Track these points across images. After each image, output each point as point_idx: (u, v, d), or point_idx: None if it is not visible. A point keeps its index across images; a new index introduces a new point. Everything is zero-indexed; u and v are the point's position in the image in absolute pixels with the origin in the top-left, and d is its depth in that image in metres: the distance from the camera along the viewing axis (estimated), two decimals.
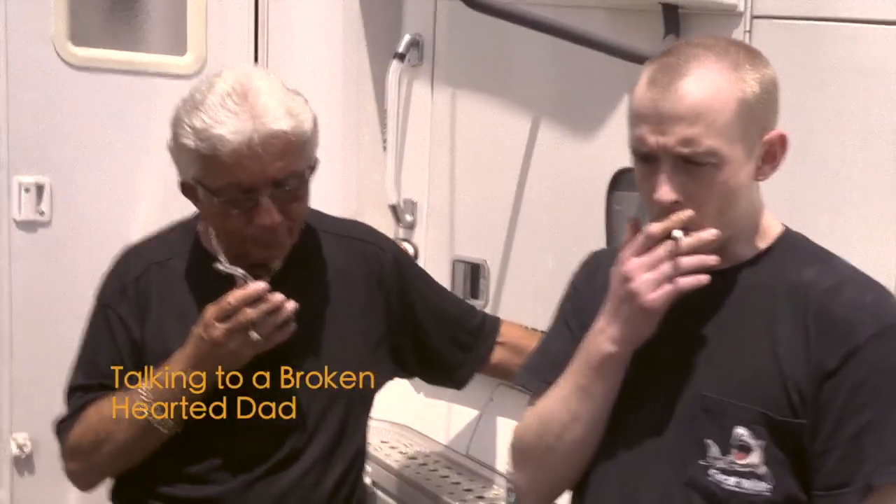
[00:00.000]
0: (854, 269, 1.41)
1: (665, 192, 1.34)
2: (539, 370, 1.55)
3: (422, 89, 2.73)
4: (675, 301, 1.38)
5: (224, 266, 1.72)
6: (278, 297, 1.67)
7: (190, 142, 1.65)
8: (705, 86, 1.31)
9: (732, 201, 1.37)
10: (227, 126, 1.62)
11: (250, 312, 1.65)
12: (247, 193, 1.66)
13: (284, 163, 1.65)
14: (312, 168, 1.75)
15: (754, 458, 1.34)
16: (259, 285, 1.67)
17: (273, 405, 1.78)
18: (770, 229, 1.45)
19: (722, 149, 1.32)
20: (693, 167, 1.33)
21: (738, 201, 1.38)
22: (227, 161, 1.63)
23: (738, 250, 1.43)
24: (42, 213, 2.67)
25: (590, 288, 1.52)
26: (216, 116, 1.63)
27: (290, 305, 1.67)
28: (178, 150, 1.71)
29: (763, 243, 1.44)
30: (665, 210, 1.35)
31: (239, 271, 1.71)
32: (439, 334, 1.97)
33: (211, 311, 1.67)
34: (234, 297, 1.65)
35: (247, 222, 1.68)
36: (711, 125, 1.31)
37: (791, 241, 1.44)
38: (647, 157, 1.35)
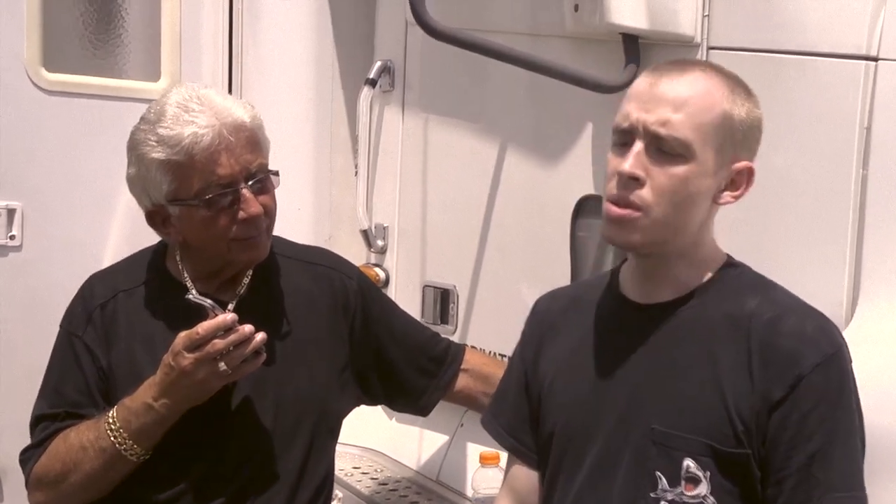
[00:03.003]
0: (794, 299, 1.43)
1: (632, 165, 1.37)
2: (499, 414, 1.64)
3: (393, 115, 2.76)
4: (620, 336, 1.41)
5: (194, 297, 1.73)
6: (247, 328, 1.67)
7: (160, 154, 1.70)
8: (700, 86, 1.38)
9: (687, 206, 1.39)
10: (196, 124, 1.69)
11: (219, 343, 1.66)
12: (227, 188, 1.71)
13: (253, 154, 1.74)
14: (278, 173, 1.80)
15: (702, 489, 1.36)
16: (228, 316, 1.67)
17: (238, 431, 1.79)
18: (714, 260, 1.47)
19: (695, 144, 1.36)
20: (663, 155, 1.37)
21: (691, 211, 1.40)
22: (202, 160, 1.69)
23: (682, 280, 1.45)
24: (13, 238, 2.67)
25: (531, 331, 1.58)
26: (181, 121, 1.70)
27: (259, 337, 1.68)
28: (145, 170, 1.74)
29: (706, 274, 1.46)
30: (623, 181, 1.38)
31: (208, 302, 1.72)
32: (403, 361, 1.98)
33: (180, 340, 1.68)
34: (203, 327, 1.66)
35: (230, 221, 1.72)
36: (692, 117, 1.36)
37: (733, 272, 1.46)
38: (624, 134, 1.39)
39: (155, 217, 1.80)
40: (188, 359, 1.66)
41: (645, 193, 1.37)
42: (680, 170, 1.36)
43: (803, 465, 1.33)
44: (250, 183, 1.73)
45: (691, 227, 1.41)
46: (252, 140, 1.74)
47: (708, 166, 1.37)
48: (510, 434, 1.60)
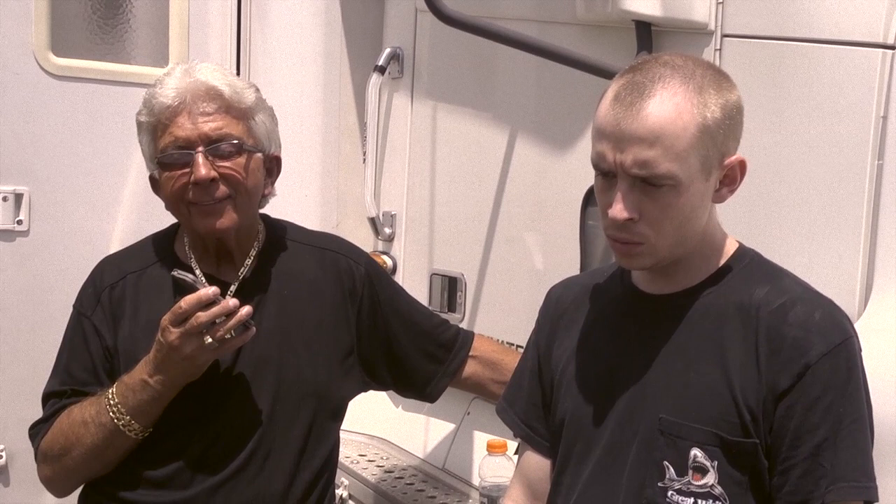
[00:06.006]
0: (804, 287, 1.42)
1: (619, 210, 1.35)
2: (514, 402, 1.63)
3: (402, 102, 2.74)
4: (631, 326, 1.40)
5: (178, 272, 1.74)
6: (232, 301, 1.68)
7: (142, 117, 1.79)
8: (667, 109, 1.31)
9: (687, 223, 1.38)
10: (167, 86, 1.76)
11: (202, 316, 1.67)
12: (183, 150, 1.74)
13: (219, 123, 1.76)
14: (263, 152, 1.81)
15: (710, 478, 1.35)
16: (209, 290, 1.68)
17: (237, 411, 1.79)
18: (724, 249, 1.46)
19: (678, 173, 1.32)
20: (649, 188, 1.34)
21: (693, 223, 1.39)
22: (164, 121, 1.76)
23: (692, 272, 1.44)
24: (20, 223, 2.67)
25: (545, 319, 1.58)
26: (160, 84, 1.77)
27: (245, 310, 1.68)
28: (140, 135, 1.81)
29: (716, 264, 1.44)
30: (618, 225, 1.36)
31: (189, 277, 1.73)
32: (411, 347, 1.98)
33: (167, 316, 1.70)
34: (186, 301, 1.68)
35: (185, 184, 1.75)
36: (669, 149, 1.31)
37: (744, 260, 1.45)
38: (606, 173, 1.37)
39: (154, 183, 1.85)
40: (174, 333, 1.67)
41: (643, 229, 1.36)
42: (671, 197, 1.34)
43: (810, 455, 1.32)
44: (208, 148, 1.74)
45: (697, 232, 1.41)
46: (224, 109, 1.76)
47: (698, 181, 1.35)
48: (525, 423, 1.60)
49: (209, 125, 1.74)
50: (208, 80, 1.76)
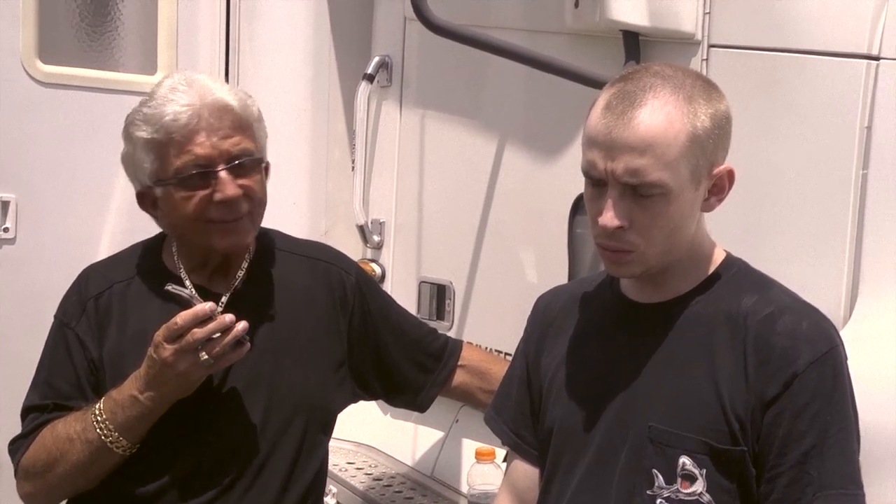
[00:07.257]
0: (791, 296, 1.43)
1: (609, 218, 1.36)
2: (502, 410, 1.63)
3: (391, 110, 2.75)
4: (620, 335, 1.41)
5: (172, 287, 1.72)
6: (228, 317, 1.66)
7: (144, 133, 1.72)
8: (658, 118, 1.33)
9: (677, 231, 1.39)
10: (177, 103, 1.70)
11: (198, 333, 1.64)
12: (204, 169, 1.70)
13: (236, 139, 1.73)
14: (263, 162, 1.80)
15: (698, 486, 1.36)
16: (206, 306, 1.65)
17: (227, 425, 1.77)
18: (712, 258, 1.47)
19: (669, 181, 1.34)
20: (640, 196, 1.35)
21: (683, 231, 1.40)
22: (180, 139, 1.70)
23: (680, 281, 1.45)
24: (6, 230, 2.66)
25: (533, 327, 1.59)
26: (165, 100, 1.72)
27: (241, 326, 1.66)
28: (133, 149, 1.75)
29: (705, 273, 1.46)
30: (608, 233, 1.37)
31: (185, 292, 1.71)
32: (401, 356, 1.97)
33: (161, 331, 1.66)
34: (181, 317, 1.64)
35: (207, 202, 1.72)
36: (660, 158, 1.33)
37: (731, 270, 1.46)
38: (596, 182, 1.38)
39: (144, 199, 1.80)
40: (168, 350, 1.64)
41: (632, 237, 1.37)
42: (660, 206, 1.35)
43: (797, 463, 1.33)
44: (230, 165, 1.72)
45: (686, 240, 1.42)
46: (237, 124, 1.74)
47: (687, 189, 1.36)
48: (513, 431, 1.60)
49: (228, 141, 1.71)
50: (218, 95, 1.72)
